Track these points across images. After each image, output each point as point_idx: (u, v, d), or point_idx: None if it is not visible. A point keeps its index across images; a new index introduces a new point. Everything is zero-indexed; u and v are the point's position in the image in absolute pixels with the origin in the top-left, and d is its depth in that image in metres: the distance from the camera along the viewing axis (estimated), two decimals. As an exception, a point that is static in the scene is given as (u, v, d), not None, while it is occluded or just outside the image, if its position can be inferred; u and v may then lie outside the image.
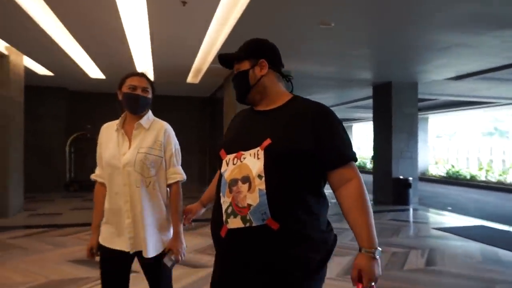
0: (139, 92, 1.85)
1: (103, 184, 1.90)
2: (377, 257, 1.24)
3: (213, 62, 6.37)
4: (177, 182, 1.88)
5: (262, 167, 1.25)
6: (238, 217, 1.26)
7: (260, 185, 1.24)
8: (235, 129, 1.50)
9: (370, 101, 9.45)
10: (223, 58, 1.50)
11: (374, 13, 4.31)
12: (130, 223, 1.78)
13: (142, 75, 1.92)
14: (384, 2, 3.95)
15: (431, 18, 4.39)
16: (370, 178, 8.71)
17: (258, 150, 1.29)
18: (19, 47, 5.99)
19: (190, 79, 8.22)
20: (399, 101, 8.33)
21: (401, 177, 8.18)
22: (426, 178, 15.78)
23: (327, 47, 5.69)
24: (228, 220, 1.29)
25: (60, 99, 9.93)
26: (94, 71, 7.64)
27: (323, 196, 1.37)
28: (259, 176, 1.25)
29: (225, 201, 1.31)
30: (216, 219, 1.36)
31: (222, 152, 1.40)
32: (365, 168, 18.34)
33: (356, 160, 1.34)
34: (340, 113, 16.48)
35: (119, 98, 1.89)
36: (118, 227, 1.81)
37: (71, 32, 5.07)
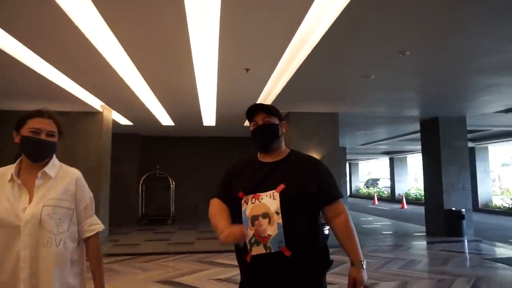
0: (43, 136, 1.57)
1: None
2: (364, 267, 1.67)
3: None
4: (96, 234, 1.72)
5: (279, 205, 1.62)
6: (261, 245, 1.60)
7: (278, 219, 1.60)
8: (248, 175, 1.78)
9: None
10: (260, 107, 1.82)
11: (414, 63, 4.88)
12: None
13: (48, 116, 1.62)
14: (424, 56, 4.54)
15: (470, 64, 4.85)
16: (422, 209, 8.80)
17: (274, 193, 1.65)
18: (111, 104, 7.33)
19: (247, 123, 9.19)
20: (447, 135, 8.54)
21: (453, 208, 8.25)
22: (488, 210, 15.10)
23: (371, 94, 6.32)
24: (252, 248, 1.62)
25: (135, 144, 11.42)
26: (165, 120, 8.88)
27: (320, 225, 1.78)
28: (277, 213, 1.61)
29: (249, 233, 1.63)
30: (241, 249, 1.67)
31: (241, 193, 1.71)
32: (421, 200, 17.91)
33: (342, 197, 1.79)
34: (392, 145, 16.56)
35: (16, 141, 1.60)
36: None
37: (152, 90, 6.20)
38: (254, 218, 1.63)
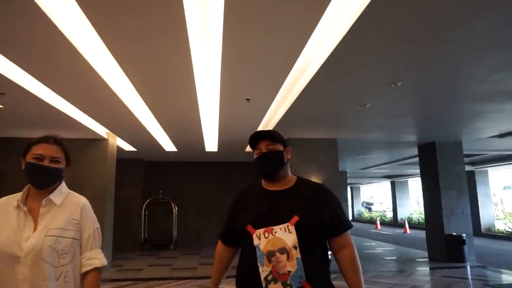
0: (46, 163, 1.52)
1: None
2: None
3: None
4: (94, 269, 1.55)
5: (296, 239, 1.53)
6: (279, 283, 1.50)
7: (296, 254, 1.52)
8: (255, 206, 1.70)
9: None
10: (263, 134, 1.74)
11: (406, 92, 5.10)
12: None
13: (54, 142, 1.58)
14: (415, 86, 4.77)
15: (461, 93, 5.07)
16: (423, 234, 8.81)
17: (288, 226, 1.56)
18: (116, 131, 7.55)
19: (248, 148, 9.40)
20: (444, 159, 8.68)
21: (453, 233, 8.28)
22: (491, 234, 14.98)
23: (368, 120, 6.54)
24: (269, 286, 1.51)
25: (138, 169, 11.59)
26: (169, 146, 9.09)
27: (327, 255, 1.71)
28: (294, 247, 1.52)
29: (264, 270, 1.52)
30: (252, 287, 1.55)
31: (250, 227, 1.61)
32: (423, 224, 17.78)
33: (352, 227, 1.73)
34: (393, 169, 16.65)
35: (22, 167, 1.57)
36: None
37: (157, 118, 6.42)
38: (271, 254, 1.54)
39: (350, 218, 29.28)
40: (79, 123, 6.36)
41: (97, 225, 1.65)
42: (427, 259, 8.80)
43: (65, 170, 1.63)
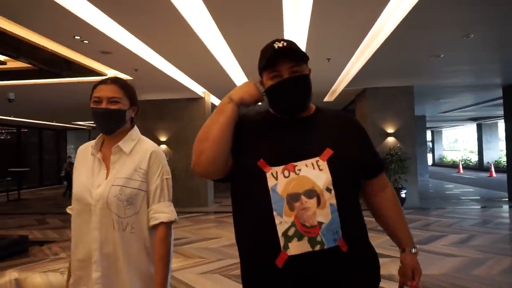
0: (103, 105, 1.42)
1: None
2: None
3: (347, 85, 8.07)
4: (161, 224, 1.41)
5: (330, 179, 1.12)
6: (305, 239, 1.07)
7: (330, 199, 1.10)
8: (269, 136, 1.23)
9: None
10: (285, 51, 1.20)
11: (480, 43, 5.33)
12: (99, 277, 1.36)
13: (112, 81, 1.46)
14: (488, 37, 5.02)
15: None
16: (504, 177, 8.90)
17: (318, 161, 1.14)
18: (211, 90, 8.80)
19: (326, 98, 10.09)
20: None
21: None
22: None
23: (443, 68, 6.78)
24: (289, 244, 1.08)
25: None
26: (254, 100, 10.17)
27: None
28: (328, 189, 1.11)
29: (284, 221, 1.09)
30: (264, 247, 1.11)
31: (262, 162, 1.15)
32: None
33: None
34: (479, 112, 15.87)
35: None
36: (86, 283, 1.39)
37: (247, 76, 7.38)
38: (294, 198, 1.10)
39: (431, 162, 28.62)
40: (184, 86, 7.65)
41: (168, 175, 1.50)
42: (506, 199, 9.01)
43: (132, 112, 1.51)
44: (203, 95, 9.02)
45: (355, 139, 1.27)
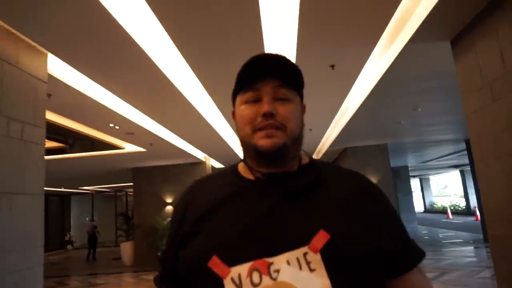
0: None
1: None
2: None
3: (330, 146, 9.29)
4: None
5: (329, 284, 0.66)
6: None
7: None
8: (229, 216, 0.76)
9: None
10: (271, 64, 0.80)
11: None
12: None
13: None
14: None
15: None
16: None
17: (306, 253, 0.68)
18: (211, 155, 9.95)
19: (314, 156, 11.27)
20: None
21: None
22: None
23: (410, 130, 8.08)
24: None
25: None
26: (249, 160, 11.33)
27: None
28: None
29: None
30: None
31: (216, 261, 0.69)
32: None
33: (424, 256, 0.83)
34: (459, 160, 17.09)
35: None
36: None
37: (237, 135, 8.56)
38: None
39: (422, 209, 29.36)
40: (187, 152, 8.79)
41: None
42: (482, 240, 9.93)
43: None
44: (204, 159, 10.16)
45: (366, 215, 0.76)
